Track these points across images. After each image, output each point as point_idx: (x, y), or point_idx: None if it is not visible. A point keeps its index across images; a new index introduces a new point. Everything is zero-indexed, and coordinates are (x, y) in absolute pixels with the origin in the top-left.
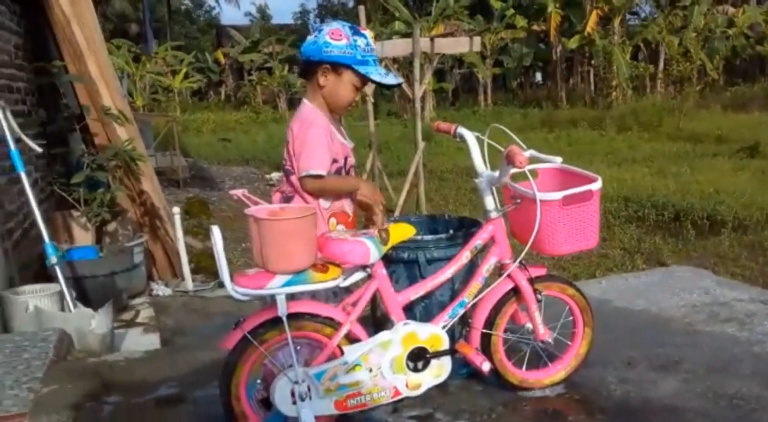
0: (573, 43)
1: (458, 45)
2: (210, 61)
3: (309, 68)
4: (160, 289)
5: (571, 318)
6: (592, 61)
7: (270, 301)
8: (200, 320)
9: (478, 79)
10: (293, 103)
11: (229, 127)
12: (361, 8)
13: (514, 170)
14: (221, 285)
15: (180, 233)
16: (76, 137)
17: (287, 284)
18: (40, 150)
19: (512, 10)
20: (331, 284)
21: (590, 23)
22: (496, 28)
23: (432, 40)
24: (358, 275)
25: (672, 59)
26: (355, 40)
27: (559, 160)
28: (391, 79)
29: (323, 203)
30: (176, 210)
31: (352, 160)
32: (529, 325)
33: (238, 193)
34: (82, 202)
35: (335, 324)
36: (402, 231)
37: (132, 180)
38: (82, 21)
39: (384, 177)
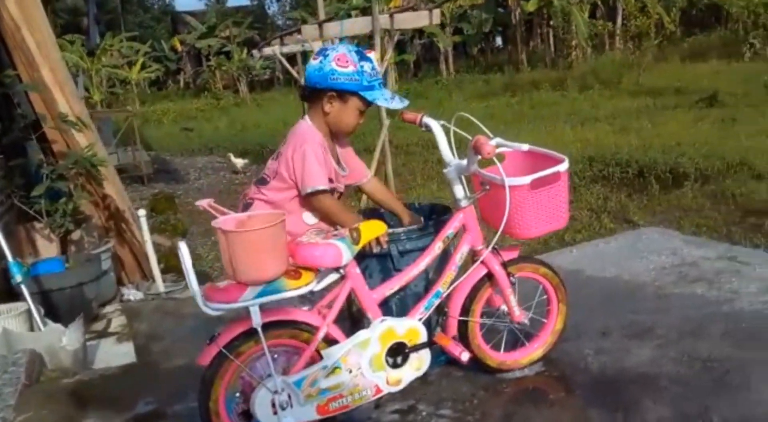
0: (531, 6)
1: (418, 19)
2: (166, 49)
3: (313, 94)
4: (131, 293)
5: (545, 296)
6: (551, 23)
7: (244, 313)
8: (174, 323)
9: (439, 48)
10: (254, 86)
11: (191, 116)
12: None
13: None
14: None
15: (147, 235)
16: (33, 146)
17: (260, 295)
18: None
19: None
20: (304, 290)
21: None
22: None
23: (391, 16)
24: (332, 277)
25: (630, 15)
26: (362, 66)
27: (525, 146)
28: (396, 103)
29: (307, 218)
30: (142, 212)
31: (339, 187)
32: (504, 307)
33: (203, 203)
34: (44, 213)
35: (312, 329)
36: (373, 229)
37: (94, 185)
38: (32, 25)
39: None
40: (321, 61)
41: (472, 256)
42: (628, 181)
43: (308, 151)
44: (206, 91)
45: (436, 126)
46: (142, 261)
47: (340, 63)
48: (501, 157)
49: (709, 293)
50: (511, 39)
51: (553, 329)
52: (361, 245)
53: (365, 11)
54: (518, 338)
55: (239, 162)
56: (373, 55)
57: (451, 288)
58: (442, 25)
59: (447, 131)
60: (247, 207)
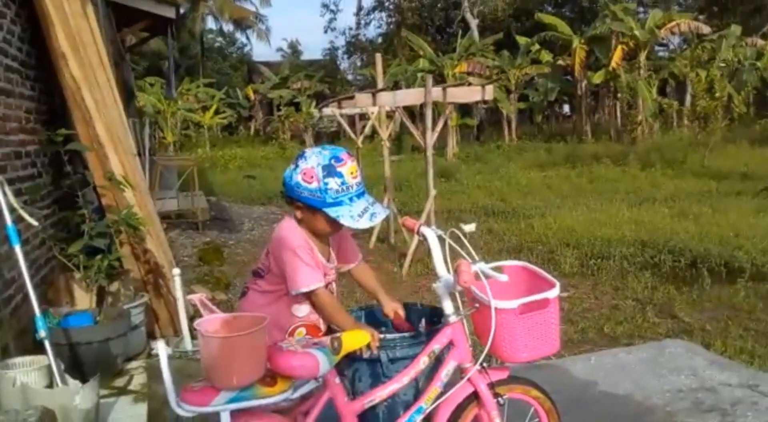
0: (598, 78)
1: (471, 94)
2: (240, 97)
3: (289, 198)
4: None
5: (536, 419)
6: (618, 95)
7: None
8: None
9: (503, 112)
10: (320, 137)
11: (256, 163)
12: (378, 56)
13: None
14: None
15: (179, 294)
16: (85, 197)
17: (232, 401)
18: (36, 224)
19: (537, 46)
20: (279, 398)
21: (615, 58)
22: (520, 64)
23: (444, 89)
24: (310, 385)
25: (696, 95)
26: (326, 183)
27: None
28: (364, 222)
29: (297, 311)
30: (176, 271)
31: (330, 278)
32: None
33: (195, 298)
34: (81, 267)
35: None
36: (356, 339)
37: (136, 239)
38: (93, 83)
39: (399, 219)
40: (292, 171)
41: (461, 372)
42: (679, 271)
43: (290, 257)
44: (274, 139)
45: (432, 237)
46: (176, 316)
47: (305, 178)
48: (500, 270)
49: None
50: (576, 109)
51: None
52: (341, 356)
53: (431, 73)
54: None
55: None
56: (348, 166)
57: (436, 404)
58: (508, 91)
59: (445, 242)
60: (244, 294)
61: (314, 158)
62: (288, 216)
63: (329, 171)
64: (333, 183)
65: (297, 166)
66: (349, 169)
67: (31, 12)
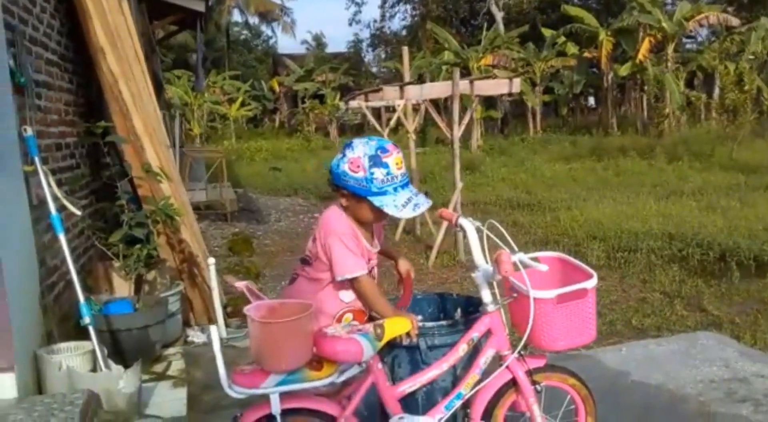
0: (624, 71)
1: (498, 87)
2: (266, 89)
3: (336, 186)
4: (196, 335)
5: (573, 406)
6: (644, 88)
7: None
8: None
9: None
10: (344, 130)
11: (281, 156)
12: (405, 49)
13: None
14: None
15: (214, 283)
16: (122, 188)
17: (281, 383)
18: (79, 213)
19: (563, 38)
20: (325, 381)
21: (642, 50)
22: (546, 56)
23: (471, 82)
24: (354, 370)
25: (725, 88)
26: (372, 173)
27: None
28: (407, 212)
29: (344, 296)
30: (212, 260)
31: (373, 263)
32: (528, 414)
33: (241, 285)
34: (121, 256)
35: (330, 418)
36: (397, 326)
37: (171, 230)
38: (129, 78)
39: (425, 212)
40: (339, 160)
41: (499, 360)
42: (707, 265)
43: (335, 244)
44: (298, 131)
45: (470, 228)
46: (210, 305)
47: (351, 167)
48: (536, 260)
49: (754, 417)
50: (602, 101)
51: None
52: (384, 342)
53: (456, 66)
54: None
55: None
56: (393, 157)
57: (474, 390)
58: (533, 84)
59: (483, 233)
60: (293, 280)
61: (361, 148)
62: (334, 203)
63: (375, 161)
64: (378, 173)
65: (344, 155)
66: (394, 159)
67: (70, 7)
